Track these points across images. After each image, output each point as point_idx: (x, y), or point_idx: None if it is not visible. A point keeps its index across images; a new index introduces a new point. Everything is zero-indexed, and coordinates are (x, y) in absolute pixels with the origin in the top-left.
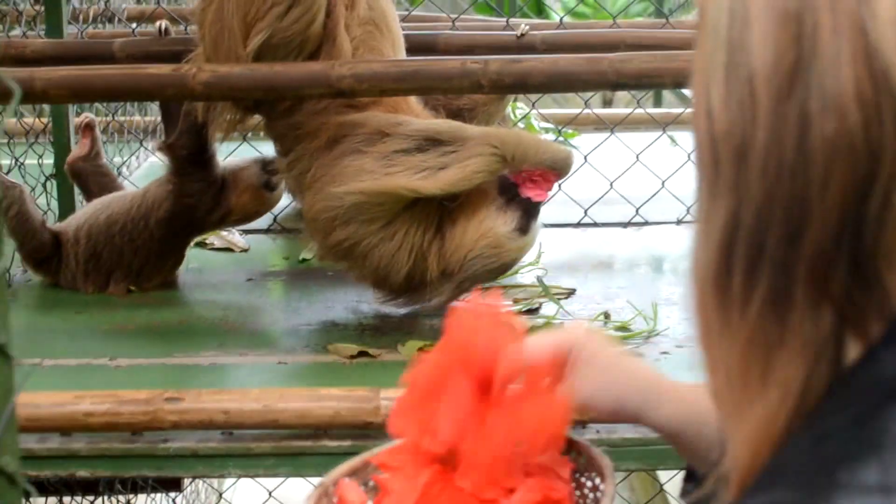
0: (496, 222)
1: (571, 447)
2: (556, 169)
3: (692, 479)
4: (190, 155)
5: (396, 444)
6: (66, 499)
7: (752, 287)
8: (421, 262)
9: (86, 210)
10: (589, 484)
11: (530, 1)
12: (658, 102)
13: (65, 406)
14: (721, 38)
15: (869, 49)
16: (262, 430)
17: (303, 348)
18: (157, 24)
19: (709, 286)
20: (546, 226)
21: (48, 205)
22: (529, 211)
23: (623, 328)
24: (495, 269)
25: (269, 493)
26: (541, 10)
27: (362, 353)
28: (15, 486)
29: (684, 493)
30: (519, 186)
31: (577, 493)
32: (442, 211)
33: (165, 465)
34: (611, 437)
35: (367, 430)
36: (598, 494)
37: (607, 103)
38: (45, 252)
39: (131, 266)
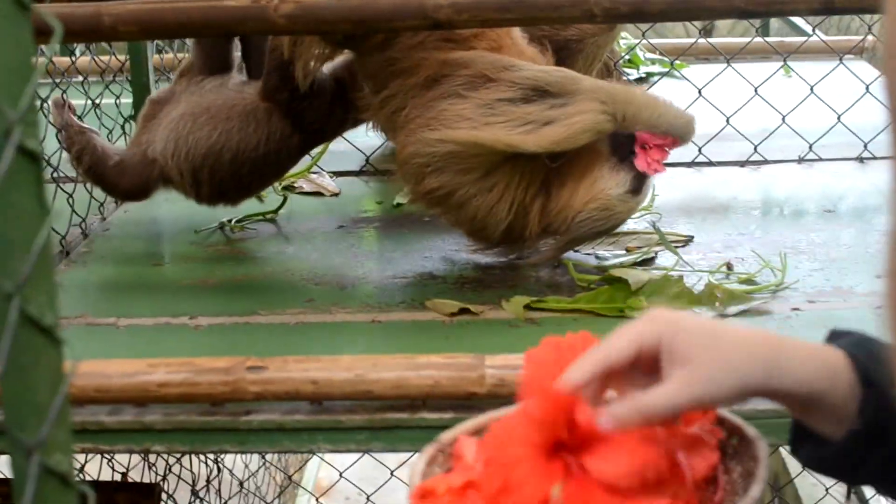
0: (608, 183)
1: (721, 425)
2: (674, 135)
3: (804, 441)
4: (290, 95)
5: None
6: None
7: None
8: (522, 217)
9: (185, 137)
10: (739, 469)
11: None
12: (766, 31)
13: (138, 376)
14: None
15: None
16: (354, 402)
17: (398, 304)
18: None
19: None
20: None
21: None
22: (643, 174)
23: (748, 281)
24: (603, 231)
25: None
26: None
27: (463, 311)
28: (69, 488)
29: (808, 456)
30: (633, 153)
31: (726, 477)
32: (547, 165)
33: (248, 439)
34: (741, 409)
35: (471, 402)
36: (749, 480)
37: (706, 31)
38: (139, 190)
39: (252, 187)
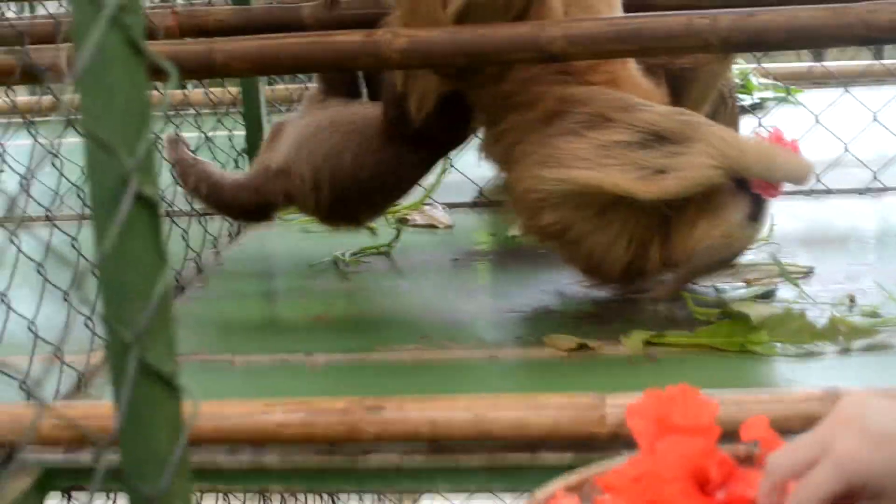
0: (727, 210)
1: None
2: (789, 183)
3: None
4: (409, 124)
5: (625, 462)
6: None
7: None
8: (642, 253)
9: (306, 143)
10: None
11: None
12: (879, 54)
13: (255, 416)
14: None
15: None
16: (473, 442)
17: (515, 340)
18: None
19: None
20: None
21: None
22: (762, 198)
23: (872, 314)
24: (723, 261)
25: None
26: None
27: (581, 346)
28: None
29: None
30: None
31: None
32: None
33: (366, 480)
34: None
35: (592, 442)
36: None
37: (817, 55)
38: (258, 208)
39: (375, 202)
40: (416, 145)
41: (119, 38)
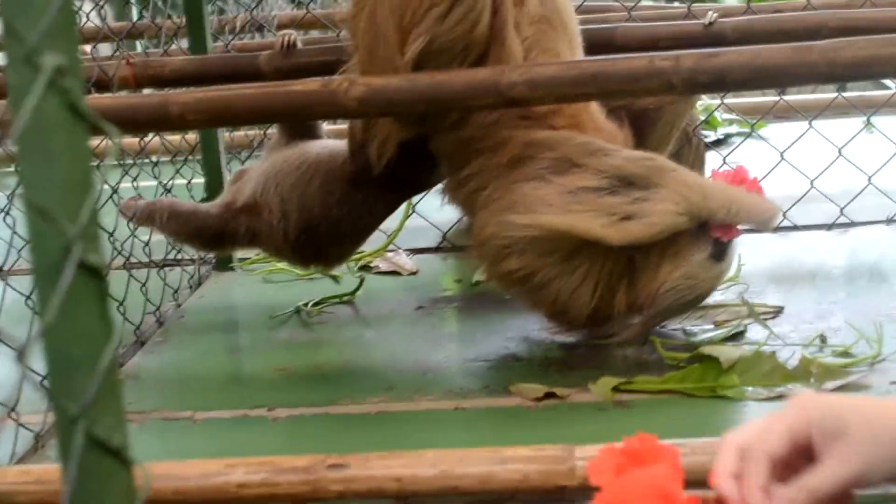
0: (688, 251)
1: None
2: (753, 227)
3: None
4: (373, 174)
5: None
6: None
7: None
8: (606, 297)
9: (273, 176)
10: None
11: None
12: (842, 87)
13: (215, 477)
14: None
15: None
16: (440, 498)
17: (482, 389)
18: (281, 36)
19: None
20: (742, 231)
21: None
22: (727, 239)
23: (844, 353)
24: (689, 302)
25: None
26: None
27: (549, 395)
28: None
29: None
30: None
31: None
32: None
33: None
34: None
35: (561, 495)
36: None
37: (781, 89)
38: (223, 234)
39: (342, 240)
40: (381, 188)
41: (58, 101)
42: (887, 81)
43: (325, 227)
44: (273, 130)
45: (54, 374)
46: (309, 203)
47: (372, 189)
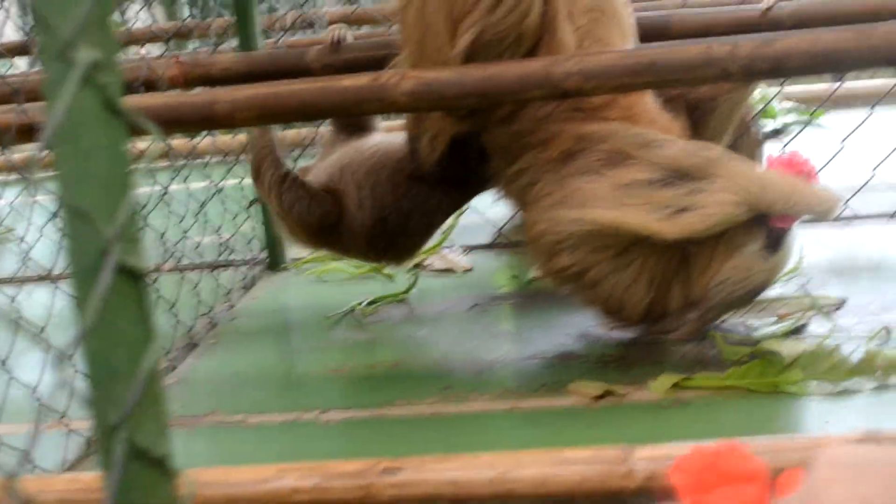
0: (741, 243)
1: None
2: (814, 218)
3: None
4: (435, 170)
5: None
6: None
7: None
8: (663, 293)
9: (348, 164)
10: None
11: None
12: None
13: (266, 483)
14: None
15: None
16: (496, 501)
17: (538, 388)
18: (330, 31)
19: None
20: (802, 221)
21: (253, 230)
22: (783, 231)
23: None
24: (745, 295)
25: None
26: None
27: (607, 393)
28: None
29: None
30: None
31: None
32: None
33: None
34: None
35: (620, 497)
36: None
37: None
38: (331, 217)
39: (412, 232)
40: (442, 184)
41: (94, 98)
42: None
43: (395, 217)
44: (325, 129)
45: (94, 380)
46: (381, 192)
47: (433, 184)
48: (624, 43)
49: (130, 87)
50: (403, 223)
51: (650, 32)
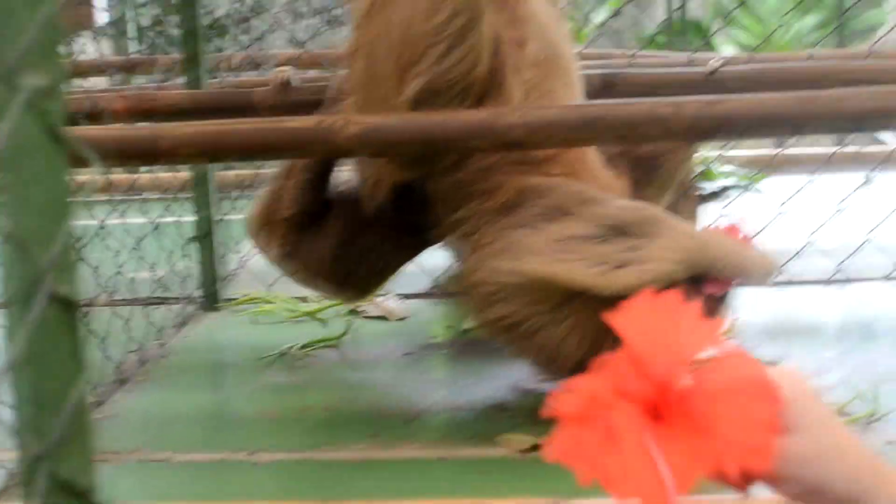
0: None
1: None
2: (749, 281)
3: None
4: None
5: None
6: None
7: None
8: (596, 347)
9: None
10: None
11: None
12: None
13: None
14: None
15: None
16: None
17: (468, 440)
18: (276, 73)
19: None
20: (738, 284)
21: (188, 268)
22: (721, 294)
23: (839, 411)
24: None
25: None
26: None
27: (537, 446)
28: None
29: None
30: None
31: None
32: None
33: None
34: None
35: None
36: None
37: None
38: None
39: (367, 271)
40: (397, 229)
41: (37, 124)
42: (886, 136)
43: (356, 251)
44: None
45: (21, 410)
46: (343, 224)
47: (387, 227)
48: (571, 97)
49: (74, 119)
50: (364, 258)
51: (596, 89)
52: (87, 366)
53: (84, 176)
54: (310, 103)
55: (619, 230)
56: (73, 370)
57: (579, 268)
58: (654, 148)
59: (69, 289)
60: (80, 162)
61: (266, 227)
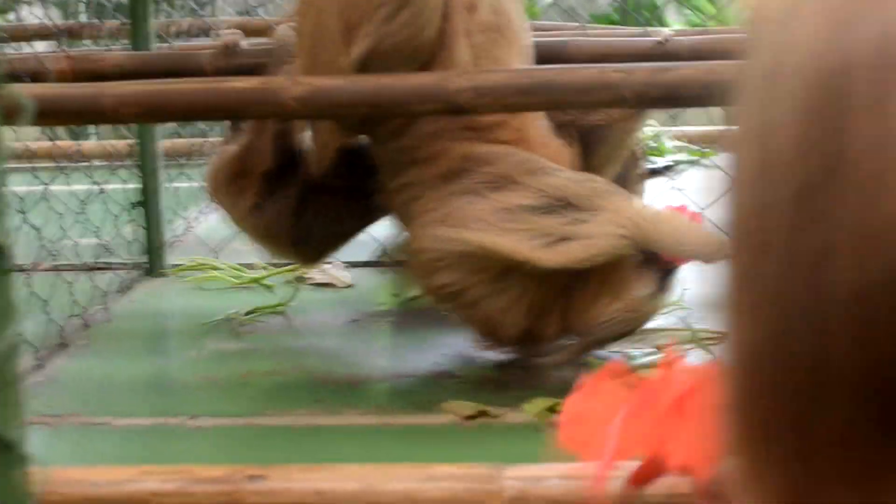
0: (632, 283)
1: None
2: (698, 260)
3: None
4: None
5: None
6: None
7: None
8: (540, 319)
9: None
10: None
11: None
12: None
13: (128, 484)
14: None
15: None
16: None
17: (412, 406)
18: (224, 37)
19: None
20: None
21: (133, 234)
22: (670, 269)
23: None
24: (627, 332)
25: None
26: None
27: (481, 413)
28: None
29: None
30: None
31: None
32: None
33: None
34: None
35: None
36: None
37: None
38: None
39: (330, 228)
40: (346, 194)
41: None
42: None
43: (313, 212)
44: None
45: None
46: (307, 182)
47: (336, 193)
48: (520, 64)
49: (17, 79)
50: (315, 222)
51: (546, 56)
52: (15, 314)
53: (29, 141)
54: (257, 67)
55: (564, 202)
56: (2, 316)
57: (521, 239)
58: (602, 117)
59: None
60: (14, 116)
61: (237, 181)
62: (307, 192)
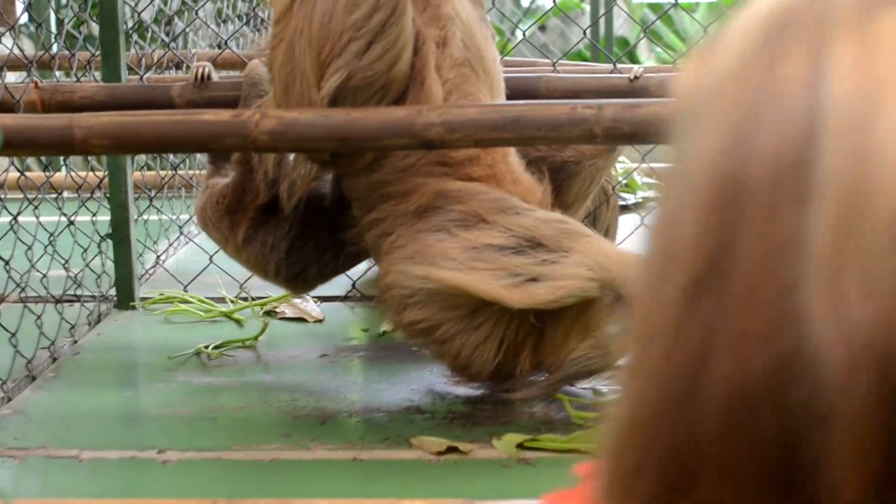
0: (602, 322)
1: None
2: None
3: None
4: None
5: None
6: None
7: None
8: (512, 356)
9: None
10: None
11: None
12: None
13: None
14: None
15: None
16: None
17: (382, 441)
18: (196, 67)
19: None
20: None
21: (103, 266)
22: None
23: None
24: (598, 369)
25: None
26: (633, 62)
27: (451, 449)
28: None
29: None
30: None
31: None
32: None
33: None
34: None
35: None
36: None
37: None
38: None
39: (323, 260)
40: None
41: None
42: None
43: (310, 246)
44: (186, 173)
45: None
46: (303, 215)
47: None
48: (493, 100)
49: None
50: (310, 255)
51: (519, 92)
52: None
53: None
54: (228, 99)
55: (534, 242)
56: None
57: (490, 278)
58: (574, 153)
59: None
60: None
61: (230, 216)
62: (302, 223)
